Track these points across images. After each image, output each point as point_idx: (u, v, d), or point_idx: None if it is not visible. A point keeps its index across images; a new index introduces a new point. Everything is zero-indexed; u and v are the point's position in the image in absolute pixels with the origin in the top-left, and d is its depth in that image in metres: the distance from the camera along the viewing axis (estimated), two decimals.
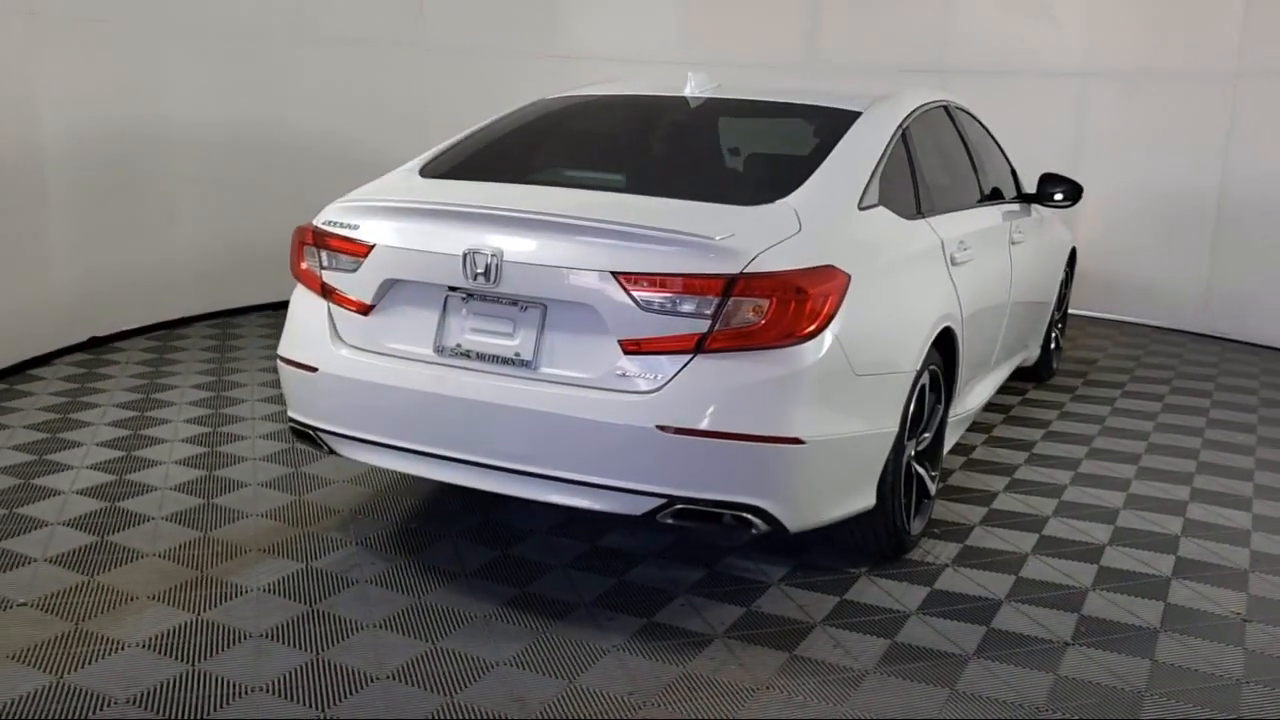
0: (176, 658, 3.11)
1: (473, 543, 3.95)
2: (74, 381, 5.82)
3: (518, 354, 3.30)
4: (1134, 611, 3.57)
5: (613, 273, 3.13)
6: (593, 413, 3.15)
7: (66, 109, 6.28)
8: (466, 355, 3.37)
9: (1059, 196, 5.44)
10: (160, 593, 3.49)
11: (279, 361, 3.78)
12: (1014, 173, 5.58)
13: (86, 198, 6.48)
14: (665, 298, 3.10)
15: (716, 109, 4.35)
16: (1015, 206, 5.28)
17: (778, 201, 3.43)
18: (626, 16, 9.09)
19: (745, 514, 3.14)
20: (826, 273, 3.18)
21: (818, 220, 3.36)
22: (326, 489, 4.41)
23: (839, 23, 8.76)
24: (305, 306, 3.69)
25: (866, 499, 3.49)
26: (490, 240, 3.26)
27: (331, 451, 3.67)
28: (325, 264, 3.61)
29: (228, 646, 3.18)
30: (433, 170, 3.95)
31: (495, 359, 3.33)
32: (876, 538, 3.71)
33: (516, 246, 3.24)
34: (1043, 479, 4.82)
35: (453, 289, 3.38)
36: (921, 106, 4.38)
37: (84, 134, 6.41)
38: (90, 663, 3.07)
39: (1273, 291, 7.58)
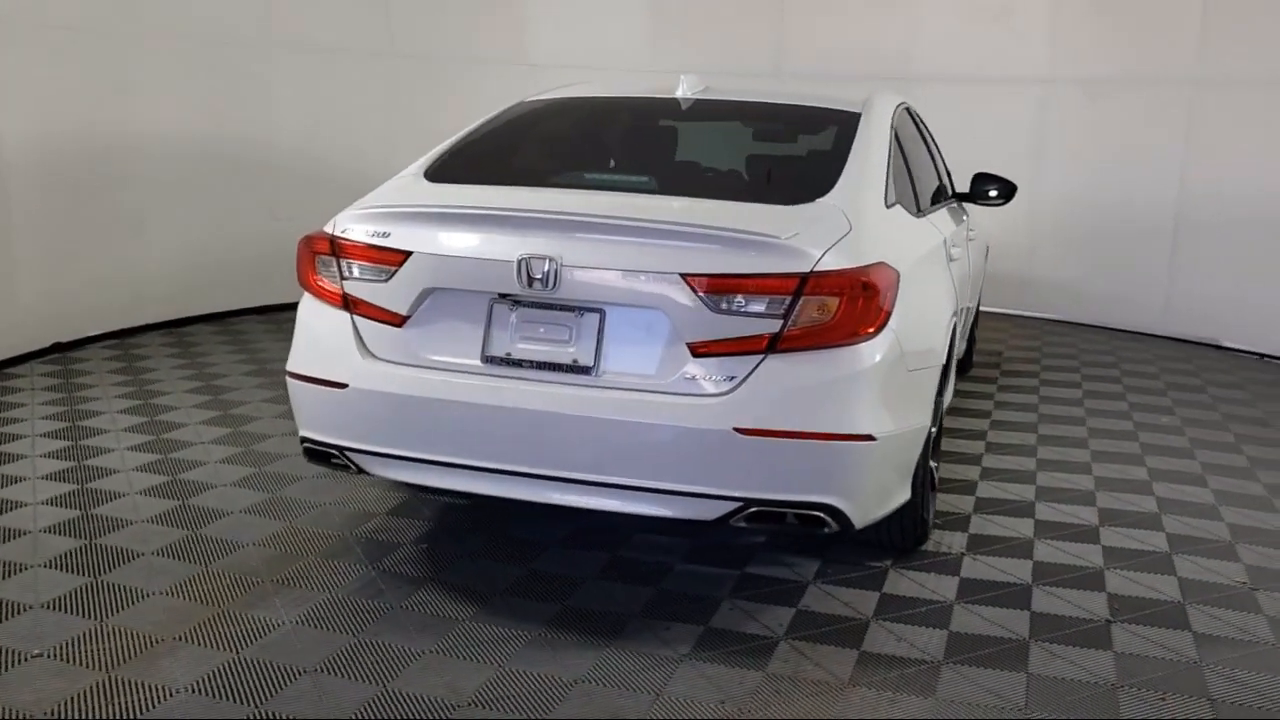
0: (236, 700, 2.89)
1: (492, 560, 3.82)
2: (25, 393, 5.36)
3: (575, 360, 3.21)
4: (1155, 587, 3.74)
5: (681, 275, 3.08)
6: (664, 417, 3.09)
7: (33, 116, 6.26)
8: (519, 364, 3.25)
9: (993, 194, 5.62)
10: (185, 633, 3.23)
11: (290, 379, 3.56)
12: (949, 172, 5.76)
13: (52, 206, 6.47)
14: (737, 298, 3.07)
15: (717, 110, 4.34)
16: (956, 205, 5.45)
17: (818, 201, 3.44)
18: (595, 25, 9.11)
19: (819, 513, 3.13)
20: (883, 269, 3.21)
21: (862, 218, 3.39)
22: (315, 513, 4.18)
23: (805, 32, 8.88)
24: (322, 320, 3.49)
25: (906, 493, 3.54)
26: (547, 245, 3.16)
27: (360, 471, 3.48)
28: (347, 274, 3.42)
29: (285, 684, 2.98)
30: (440, 175, 3.79)
31: (551, 367, 3.23)
32: (904, 531, 3.77)
33: (576, 251, 3.15)
34: (1011, 466, 4.99)
35: (503, 296, 3.25)
36: (898, 107, 4.48)
37: (50, 142, 6.42)
38: (144, 711, 2.82)
39: (1232, 294, 7.66)
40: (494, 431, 3.24)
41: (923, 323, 3.52)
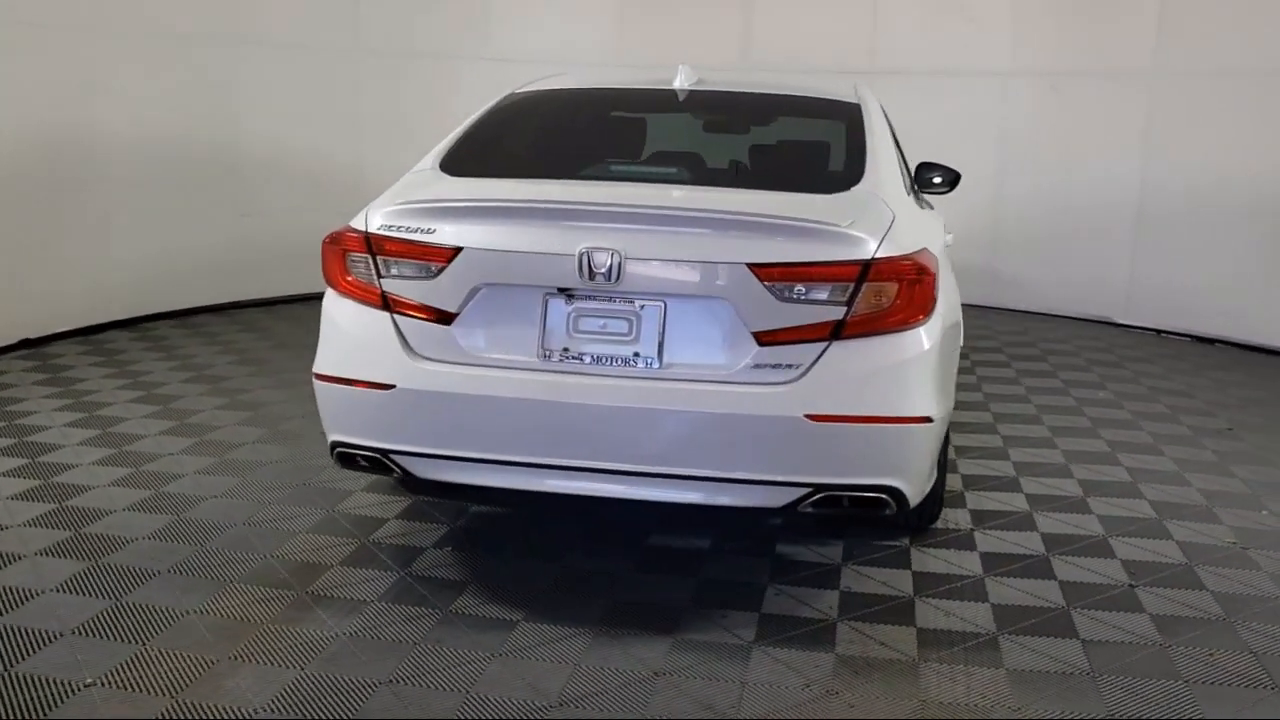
0: (322, 716, 2.78)
1: (523, 560, 3.77)
2: None
3: (637, 353, 3.19)
4: (1160, 552, 3.95)
5: (749, 265, 3.10)
6: (735, 407, 3.11)
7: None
8: (579, 359, 3.21)
9: (937, 181, 5.79)
10: (238, 652, 3.09)
11: (319, 382, 3.43)
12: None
13: (18, 202, 6.45)
14: (802, 286, 3.11)
15: (721, 101, 4.35)
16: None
17: (852, 190, 3.50)
18: (562, 19, 9.10)
19: (882, 495, 3.19)
20: (929, 255, 3.29)
21: (898, 206, 3.47)
22: (320, 519, 4.05)
23: (771, 25, 8.96)
24: (357, 320, 3.37)
25: (936, 471, 3.64)
26: (609, 238, 3.13)
27: (406, 475, 3.39)
28: (385, 272, 3.32)
29: (365, 697, 2.88)
30: (459, 169, 3.70)
31: (613, 360, 3.20)
32: (923, 509, 3.87)
33: (639, 243, 3.13)
34: (980, 444, 5.18)
35: (561, 289, 3.20)
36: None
37: (16, 138, 6.40)
38: None
39: (1193, 282, 7.79)
40: (555, 427, 3.20)
41: (951, 308, 3.63)
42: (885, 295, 3.13)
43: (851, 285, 3.11)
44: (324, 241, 3.47)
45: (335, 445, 3.44)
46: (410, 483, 4.23)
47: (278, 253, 8.12)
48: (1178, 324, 7.89)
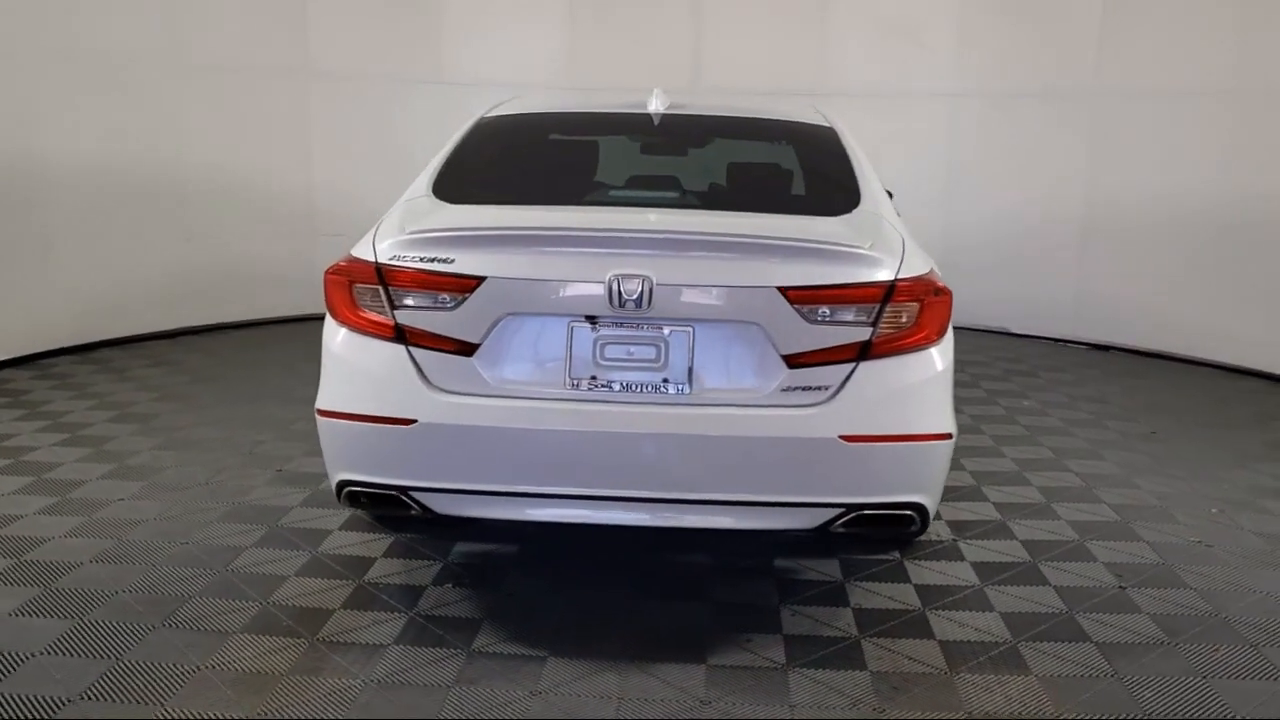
0: None
1: (529, 594, 3.70)
2: None
3: (666, 379, 3.17)
4: (1136, 554, 4.12)
5: (779, 288, 3.12)
6: (770, 430, 3.12)
7: None
8: (607, 387, 3.18)
9: None
10: (269, 708, 2.93)
11: (325, 419, 3.30)
12: None
13: None
14: (831, 309, 3.14)
15: (701, 126, 4.37)
16: None
17: (856, 211, 3.56)
18: (513, 42, 9.02)
19: (909, 512, 3.25)
20: (935, 275, 3.37)
21: (900, 227, 3.54)
22: (305, 561, 3.88)
23: (722, 47, 8.96)
24: (366, 354, 3.26)
25: None
26: (639, 264, 3.11)
27: (427, 513, 3.28)
28: (399, 303, 3.22)
29: None
30: (458, 197, 3.61)
31: (642, 387, 3.17)
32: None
33: (669, 269, 3.12)
34: None
35: (587, 317, 3.16)
36: None
37: None
38: None
39: (1136, 297, 7.92)
40: (585, 457, 3.15)
41: (949, 325, 3.71)
42: (907, 315, 3.20)
43: (877, 306, 3.16)
44: (327, 273, 3.34)
45: (344, 485, 3.32)
46: (392, 521, 4.11)
47: (228, 278, 8.14)
48: (1123, 339, 8.06)
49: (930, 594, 3.74)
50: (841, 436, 3.12)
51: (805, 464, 3.15)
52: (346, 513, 4.32)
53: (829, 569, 3.93)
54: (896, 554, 4.07)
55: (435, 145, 8.67)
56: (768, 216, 3.53)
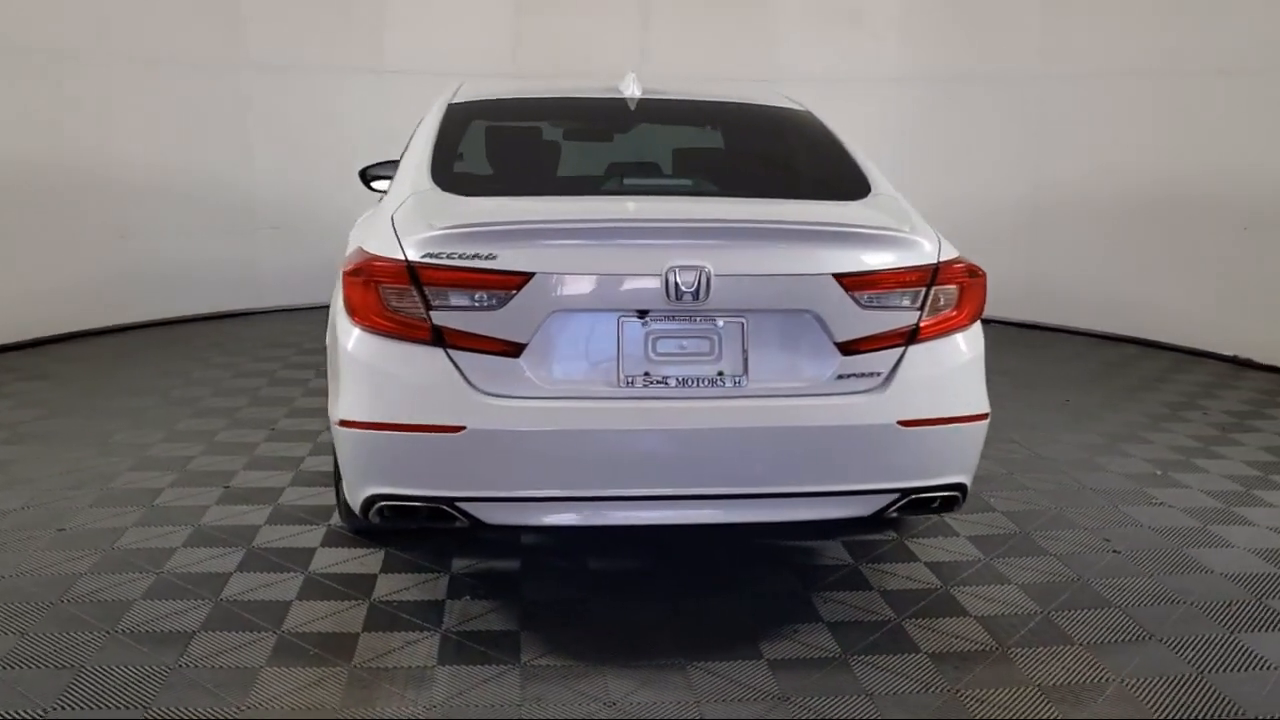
0: None
1: (551, 594, 3.56)
2: None
3: (722, 372, 3.09)
4: (1116, 519, 4.29)
5: (834, 275, 3.08)
6: (827, 419, 3.09)
7: None
8: (662, 383, 3.07)
9: None
10: None
11: (350, 430, 3.07)
12: None
13: None
14: (883, 294, 3.13)
15: (683, 111, 4.27)
16: None
17: (874, 195, 3.56)
18: (456, 27, 8.75)
19: (955, 492, 3.28)
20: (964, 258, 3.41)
21: (917, 210, 3.56)
22: (307, 584, 3.61)
23: (669, 34, 8.85)
24: (402, 358, 3.04)
25: None
26: (695, 255, 3.01)
27: (476, 524, 3.10)
28: (436, 303, 3.01)
29: None
30: (468, 189, 3.42)
31: (698, 381, 3.08)
32: None
33: (724, 259, 3.03)
34: None
35: (639, 312, 3.04)
36: None
37: None
38: None
39: (1081, 280, 8.06)
40: (643, 457, 3.04)
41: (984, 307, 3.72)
42: (949, 298, 3.22)
43: (924, 290, 3.17)
44: (345, 274, 3.11)
45: (374, 500, 3.09)
46: (367, 530, 3.89)
47: (165, 273, 8.03)
48: (1069, 320, 8.20)
49: (944, 571, 3.80)
50: (899, 422, 3.11)
51: (864, 451, 3.12)
52: (320, 529, 4.06)
53: (836, 552, 3.94)
54: (893, 534, 4.11)
55: (380, 134, 8.51)
56: (798, 203, 3.48)
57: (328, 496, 4.39)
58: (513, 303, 2.98)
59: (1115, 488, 4.70)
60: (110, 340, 7.62)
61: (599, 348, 3.05)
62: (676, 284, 2.99)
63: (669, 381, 3.06)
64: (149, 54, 7.79)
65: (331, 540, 3.97)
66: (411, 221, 3.12)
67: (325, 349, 3.48)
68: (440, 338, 3.01)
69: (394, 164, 5.30)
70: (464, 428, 2.97)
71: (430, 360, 3.01)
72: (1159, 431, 5.58)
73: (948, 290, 3.20)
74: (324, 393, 6.01)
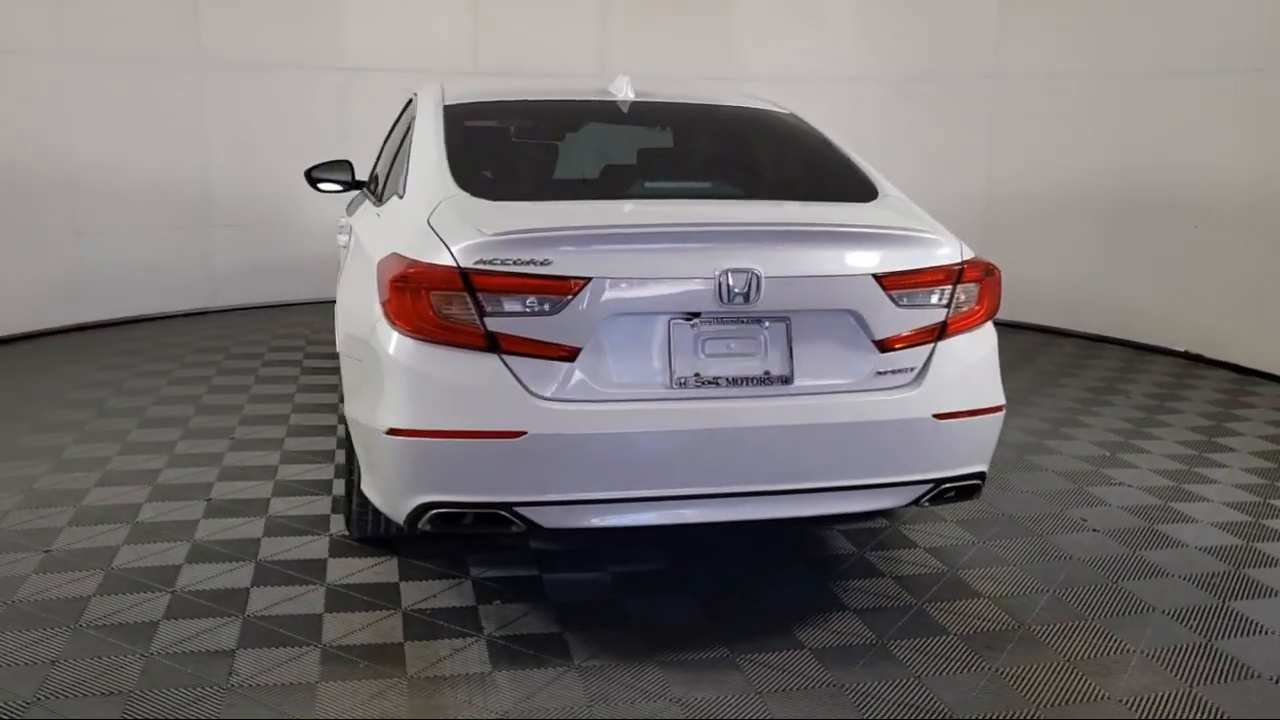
0: None
1: (580, 594, 3.59)
2: None
3: (768, 372, 3.17)
4: (1066, 526, 4.55)
5: (874, 275, 3.19)
6: (869, 414, 3.20)
7: None
8: (713, 383, 3.13)
9: None
10: None
11: (402, 439, 3.04)
12: None
13: None
14: (916, 292, 3.26)
15: (677, 114, 4.32)
16: None
17: (884, 197, 3.70)
18: (416, 26, 8.61)
19: (977, 481, 3.44)
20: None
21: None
22: (330, 596, 3.55)
23: (629, 33, 8.82)
24: (455, 365, 3.02)
25: None
26: (746, 257, 3.08)
27: (530, 528, 3.10)
28: (491, 309, 3.01)
29: None
30: (498, 193, 3.40)
31: (745, 381, 3.16)
32: None
33: (773, 261, 3.11)
34: None
35: (690, 314, 3.10)
36: None
37: None
38: None
39: (1034, 277, 7.85)
40: (696, 456, 3.11)
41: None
42: (970, 295, 3.37)
43: (950, 288, 3.31)
44: (391, 281, 3.08)
45: (428, 507, 3.08)
46: (385, 541, 3.85)
47: (120, 273, 7.93)
48: (1021, 316, 8.10)
49: (945, 555, 3.97)
50: (934, 415, 3.25)
51: (904, 444, 3.25)
52: (324, 539, 3.99)
53: (840, 542, 4.07)
54: (884, 521, 4.27)
55: (340, 131, 8.35)
56: (822, 205, 3.59)
57: (318, 506, 4.32)
58: (569, 307, 3.00)
59: (1073, 469, 4.96)
60: (60, 342, 7.40)
61: (651, 350, 3.10)
62: (729, 286, 3.05)
63: (719, 382, 3.13)
64: (103, 50, 7.65)
65: (339, 550, 3.90)
66: (456, 227, 3.11)
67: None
68: (495, 343, 3.01)
69: (342, 164, 5.28)
70: (524, 433, 2.98)
71: (485, 366, 3.01)
72: (1097, 417, 5.90)
73: (969, 288, 3.36)
74: (274, 399, 5.91)
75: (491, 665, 3.12)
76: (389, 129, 5.61)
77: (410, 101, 4.80)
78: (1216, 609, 3.56)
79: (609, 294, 3.02)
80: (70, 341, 7.48)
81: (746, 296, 3.07)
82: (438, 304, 3.01)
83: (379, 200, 4.11)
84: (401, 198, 3.62)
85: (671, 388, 3.10)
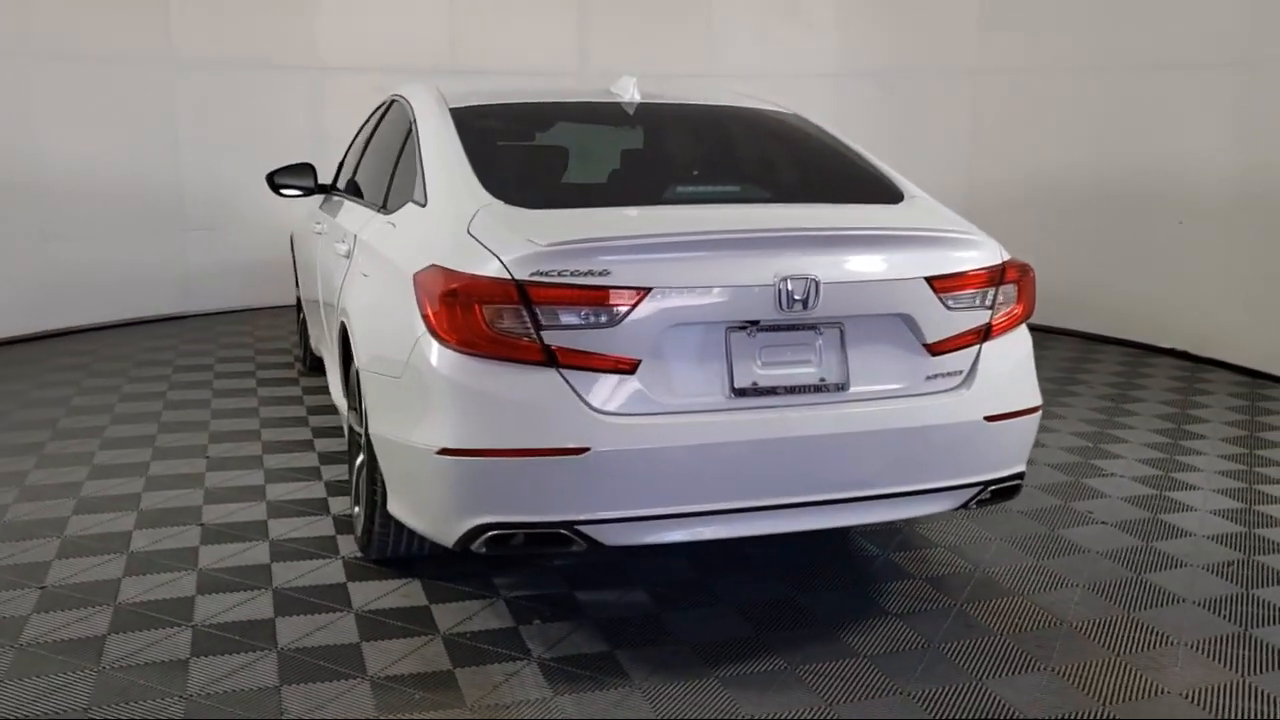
0: None
1: (621, 610, 3.50)
2: None
3: (823, 379, 3.13)
4: (1073, 519, 4.62)
5: (926, 278, 3.18)
6: (924, 419, 3.19)
7: None
8: (771, 392, 3.08)
9: None
10: None
11: (457, 459, 2.93)
12: None
13: None
14: (964, 295, 3.25)
15: (687, 116, 4.25)
16: None
17: (912, 198, 3.69)
18: (390, 24, 8.40)
19: (1019, 481, 3.45)
20: None
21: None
22: (364, 623, 3.40)
23: (607, 32, 8.70)
24: (512, 380, 2.92)
25: None
26: (806, 263, 3.04)
27: (593, 546, 3.01)
28: (549, 323, 2.91)
29: None
30: (536, 202, 3.30)
31: (802, 389, 3.11)
32: None
33: (831, 267, 3.07)
34: None
35: (748, 322, 3.04)
36: None
37: None
38: None
39: None
40: (758, 467, 3.05)
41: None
42: (1010, 295, 3.39)
43: (993, 289, 3.32)
44: (440, 295, 2.95)
45: (484, 529, 2.96)
46: (390, 560, 3.72)
47: (90, 278, 7.81)
48: None
49: (967, 553, 4.00)
50: (985, 417, 3.25)
51: (957, 447, 3.25)
52: (336, 561, 3.83)
53: (860, 544, 4.07)
54: (902, 520, 4.27)
55: (315, 131, 8.06)
56: (856, 207, 3.56)
57: (320, 527, 4.16)
58: (630, 319, 2.92)
59: (1063, 461, 5.04)
60: (20, 352, 7.12)
61: (709, 360, 3.03)
62: (788, 292, 3.00)
63: (777, 390, 3.08)
64: (72, 49, 7.54)
65: (356, 573, 3.75)
66: (503, 237, 3.00)
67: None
68: (553, 357, 2.91)
69: (305, 168, 5.10)
70: (588, 449, 2.88)
71: (544, 381, 2.91)
72: (1069, 408, 6.01)
73: (1009, 288, 3.37)
74: (241, 413, 5.66)
75: (551, 689, 3.02)
76: (360, 130, 5.44)
77: (393, 103, 4.66)
78: (1243, 597, 3.63)
79: (668, 304, 2.95)
80: (36, 350, 7.21)
81: (805, 303, 3.02)
82: (490, 317, 2.90)
83: (383, 207, 3.95)
84: (423, 206, 3.48)
85: (731, 398, 3.04)
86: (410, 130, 4.02)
